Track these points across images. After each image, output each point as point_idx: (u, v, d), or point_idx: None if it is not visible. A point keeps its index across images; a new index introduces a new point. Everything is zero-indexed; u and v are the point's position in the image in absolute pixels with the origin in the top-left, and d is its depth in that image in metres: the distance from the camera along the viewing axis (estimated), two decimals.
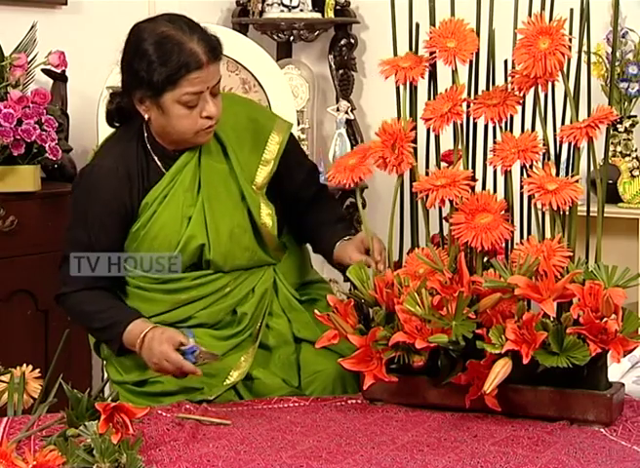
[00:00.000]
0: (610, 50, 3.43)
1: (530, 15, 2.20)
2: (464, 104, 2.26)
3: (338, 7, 4.06)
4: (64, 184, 3.37)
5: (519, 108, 2.23)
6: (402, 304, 2.15)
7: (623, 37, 3.54)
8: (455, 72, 2.26)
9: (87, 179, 2.47)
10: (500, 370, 2.07)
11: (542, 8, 2.20)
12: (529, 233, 2.29)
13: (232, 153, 2.48)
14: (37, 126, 3.05)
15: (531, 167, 2.19)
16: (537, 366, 2.08)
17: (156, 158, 2.46)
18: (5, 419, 2.14)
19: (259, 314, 2.49)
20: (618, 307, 2.07)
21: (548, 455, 1.94)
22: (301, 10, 4.00)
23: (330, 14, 4.03)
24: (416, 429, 2.10)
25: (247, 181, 2.48)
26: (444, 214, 2.29)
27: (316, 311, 2.29)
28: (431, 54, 2.26)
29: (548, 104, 2.23)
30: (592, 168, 2.22)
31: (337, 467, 1.91)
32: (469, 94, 2.28)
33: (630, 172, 3.52)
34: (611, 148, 3.51)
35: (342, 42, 4.10)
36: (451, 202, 2.22)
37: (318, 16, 4.03)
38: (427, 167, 2.32)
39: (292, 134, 2.58)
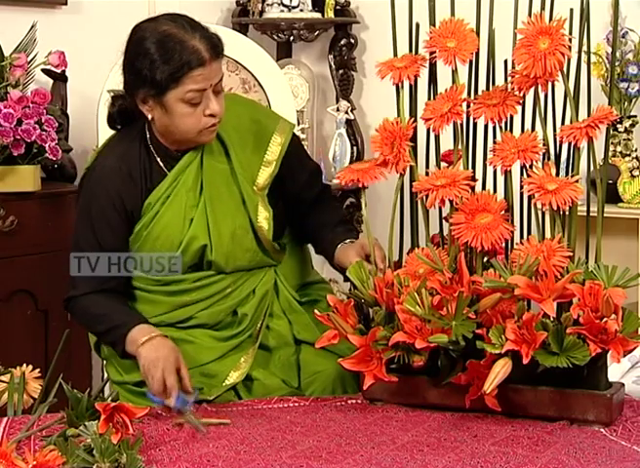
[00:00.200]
0: (610, 50, 3.43)
1: (530, 15, 2.20)
2: (464, 104, 2.26)
3: (338, 7, 4.06)
4: (64, 184, 3.37)
5: (519, 108, 2.23)
6: (402, 304, 2.15)
7: (623, 37, 3.54)
8: (455, 72, 2.26)
9: (90, 180, 2.47)
10: (500, 370, 2.07)
11: (542, 8, 2.20)
12: (529, 233, 2.29)
13: (234, 154, 2.48)
14: (37, 126, 3.05)
15: (531, 167, 2.19)
16: (537, 366, 2.08)
17: (159, 158, 2.46)
18: (5, 419, 2.14)
19: (259, 315, 2.49)
20: (618, 307, 2.07)
21: (548, 455, 1.94)
22: (301, 10, 4.01)
23: (330, 14, 4.03)
24: (416, 429, 2.10)
25: (248, 182, 2.48)
26: (444, 214, 2.28)
27: (316, 311, 2.29)
28: (431, 54, 2.26)
29: (548, 104, 2.23)
30: (592, 168, 2.22)
31: (337, 467, 1.91)
32: (469, 94, 2.28)
33: (630, 172, 3.52)
34: (611, 148, 3.51)
35: (342, 42, 4.10)
36: (451, 202, 2.22)
37: (318, 16, 4.03)
38: (427, 167, 2.32)
39: (294, 134, 2.58)
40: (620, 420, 2.12)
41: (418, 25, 2.30)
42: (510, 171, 2.20)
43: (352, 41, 4.10)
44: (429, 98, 2.30)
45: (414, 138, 2.29)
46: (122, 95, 2.47)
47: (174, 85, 2.32)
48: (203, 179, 2.45)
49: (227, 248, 2.45)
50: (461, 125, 2.26)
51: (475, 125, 2.30)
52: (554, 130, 2.24)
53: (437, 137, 2.29)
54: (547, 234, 2.20)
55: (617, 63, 3.49)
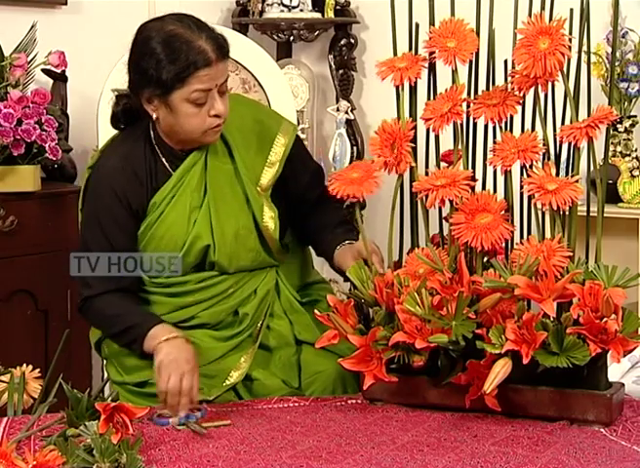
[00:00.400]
0: (610, 50, 3.43)
1: (530, 15, 2.20)
2: (464, 104, 2.26)
3: (338, 7, 4.06)
4: (64, 184, 3.37)
5: (519, 108, 2.23)
6: (402, 304, 2.15)
7: (623, 37, 3.54)
8: (455, 72, 2.26)
9: (93, 180, 2.46)
10: (500, 370, 2.07)
11: (542, 8, 2.20)
12: (529, 233, 2.29)
13: (238, 154, 2.48)
14: (37, 126, 3.05)
15: (531, 167, 2.19)
16: (537, 366, 2.08)
17: (163, 158, 2.46)
18: (5, 419, 2.14)
19: (259, 315, 2.49)
20: (618, 307, 2.07)
21: (548, 455, 1.94)
22: (301, 10, 4.00)
23: (330, 14, 4.03)
24: (416, 429, 2.10)
25: (252, 183, 2.48)
26: (444, 214, 2.28)
27: (316, 311, 2.29)
28: (431, 54, 2.26)
29: (548, 104, 2.23)
30: (592, 168, 2.22)
31: (337, 467, 1.91)
32: (469, 94, 2.28)
33: (630, 172, 3.52)
34: (611, 148, 3.51)
35: (342, 42, 4.10)
36: (451, 202, 2.22)
37: (318, 16, 4.03)
38: (427, 167, 2.32)
39: (297, 136, 2.59)
40: (620, 420, 2.12)
41: (417, 25, 2.30)
42: (510, 171, 2.20)
43: (352, 41, 4.10)
44: (429, 99, 2.30)
45: (414, 139, 2.29)
46: (126, 94, 2.47)
47: (179, 85, 2.32)
48: (207, 180, 2.45)
49: (230, 248, 2.45)
50: (461, 125, 2.26)
51: (475, 125, 2.30)
52: (554, 130, 2.24)
53: (437, 137, 2.29)
54: (547, 234, 2.20)
55: (617, 63, 3.49)
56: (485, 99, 2.22)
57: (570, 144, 2.20)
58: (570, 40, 2.15)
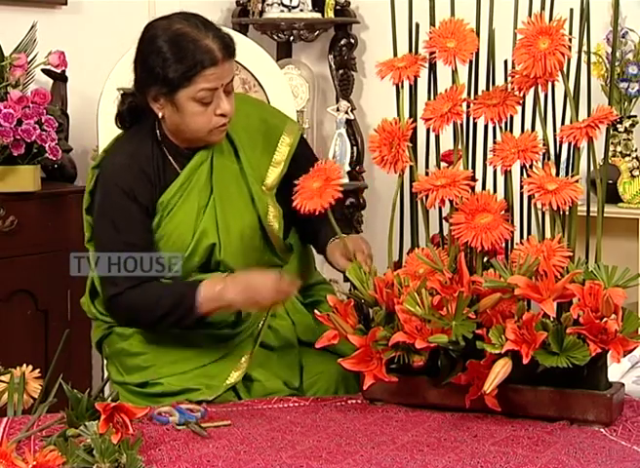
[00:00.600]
0: (610, 50, 3.43)
1: (530, 15, 2.20)
2: (464, 104, 2.26)
3: (338, 7, 4.06)
4: (64, 184, 3.37)
5: (519, 108, 2.23)
6: (402, 304, 2.15)
7: (623, 37, 3.54)
8: (455, 72, 2.26)
9: (100, 180, 2.46)
10: (500, 370, 2.07)
11: (542, 8, 2.20)
12: (529, 233, 2.29)
13: (243, 154, 2.49)
14: (37, 126, 3.05)
15: (531, 167, 2.19)
16: (537, 366, 2.08)
17: (170, 156, 2.46)
18: (5, 419, 2.14)
19: (261, 315, 2.49)
20: (618, 307, 2.07)
21: (548, 455, 1.94)
22: (301, 10, 4.01)
23: (330, 14, 4.03)
24: (416, 429, 2.10)
25: (257, 182, 2.49)
26: (444, 214, 2.28)
27: (316, 311, 2.29)
28: (431, 54, 2.26)
29: (548, 104, 2.23)
30: (592, 168, 2.22)
31: (337, 467, 1.91)
32: (469, 94, 2.28)
33: (630, 172, 3.52)
34: (611, 148, 3.51)
35: (342, 42, 4.10)
36: (451, 202, 2.22)
37: (318, 16, 4.03)
38: (427, 167, 2.32)
39: (302, 135, 2.60)
40: (620, 420, 2.12)
41: (417, 25, 2.30)
42: (510, 171, 2.20)
43: (352, 41, 4.10)
44: (429, 98, 2.30)
45: (414, 139, 2.30)
46: (132, 92, 2.48)
47: (186, 83, 2.32)
48: (213, 179, 2.46)
49: (236, 247, 2.45)
50: (461, 125, 2.26)
51: (475, 125, 2.30)
52: (554, 130, 2.24)
53: (437, 137, 2.29)
54: (547, 234, 2.20)
55: (617, 63, 3.49)
56: (485, 99, 2.22)
57: (570, 144, 2.20)
58: (570, 40, 2.15)
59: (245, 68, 3.24)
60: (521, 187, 2.19)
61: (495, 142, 2.23)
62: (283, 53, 4.17)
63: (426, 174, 2.29)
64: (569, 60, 2.17)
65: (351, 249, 2.37)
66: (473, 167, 2.27)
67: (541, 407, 2.14)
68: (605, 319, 2.06)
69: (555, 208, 2.13)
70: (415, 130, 2.29)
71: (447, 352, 2.15)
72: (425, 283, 2.17)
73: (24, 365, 2.33)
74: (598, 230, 2.20)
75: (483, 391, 2.06)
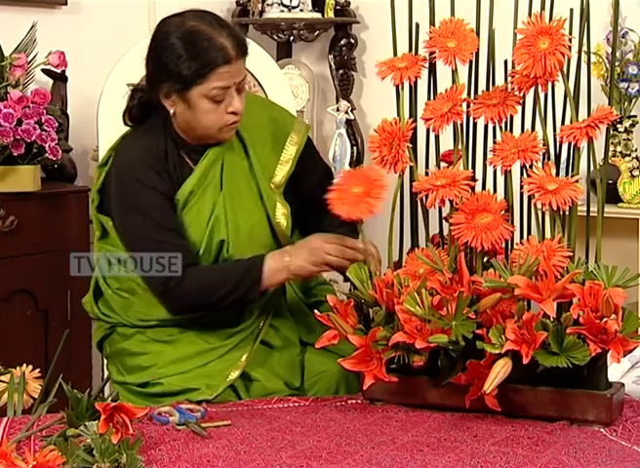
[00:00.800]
0: (610, 50, 3.43)
1: (530, 15, 2.20)
2: (464, 104, 2.26)
3: (338, 7, 4.06)
4: (64, 184, 3.37)
5: (519, 108, 2.23)
6: (402, 304, 2.15)
7: (623, 37, 3.54)
8: (455, 72, 2.26)
9: (114, 177, 2.45)
10: (500, 370, 2.07)
11: (542, 8, 2.20)
12: (529, 233, 2.29)
13: (253, 151, 2.50)
14: (37, 126, 3.05)
15: (531, 167, 2.19)
16: (537, 366, 2.08)
17: (184, 153, 2.46)
18: (5, 419, 2.14)
19: (263, 313, 2.49)
20: (618, 307, 2.07)
21: (548, 455, 1.94)
22: (301, 10, 4.01)
23: (330, 14, 4.03)
24: (416, 429, 2.10)
25: (266, 180, 2.50)
26: (444, 214, 2.29)
27: (316, 311, 2.29)
28: (431, 54, 2.26)
29: (548, 104, 2.23)
30: (592, 168, 2.22)
31: (337, 467, 1.91)
32: (469, 94, 2.28)
33: (630, 172, 3.52)
34: (611, 148, 3.51)
35: (342, 42, 4.10)
36: (451, 202, 2.22)
37: (318, 16, 4.03)
38: (427, 167, 2.32)
39: (309, 136, 2.61)
40: (620, 420, 2.12)
41: (417, 25, 2.30)
42: (510, 171, 2.20)
43: (352, 41, 4.10)
44: (429, 98, 2.30)
45: (414, 139, 2.30)
46: (142, 88, 2.48)
47: (200, 80, 2.33)
48: (223, 175, 2.47)
49: (244, 244, 2.45)
50: (461, 125, 2.26)
51: (475, 125, 2.30)
52: (554, 130, 2.24)
53: (437, 137, 2.29)
54: (547, 234, 2.20)
55: (617, 63, 3.49)
56: (485, 99, 2.22)
57: (570, 144, 2.20)
58: (570, 40, 2.15)
59: (245, 68, 3.24)
60: (521, 187, 2.19)
61: (495, 142, 2.23)
62: (283, 53, 4.16)
63: (426, 174, 2.29)
64: (569, 60, 2.17)
65: (370, 252, 2.38)
66: (473, 167, 2.27)
67: (541, 407, 2.14)
68: (605, 319, 2.06)
69: (555, 208, 2.13)
70: (415, 130, 2.29)
71: (447, 352, 2.15)
72: (425, 283, 2.17)
73: (24, 365, 2.33)
74: (598, 230, 2.20)
75: (483, 391, 2.06)
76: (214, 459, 1.94)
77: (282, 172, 2.53)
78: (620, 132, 3.54)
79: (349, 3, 4.09)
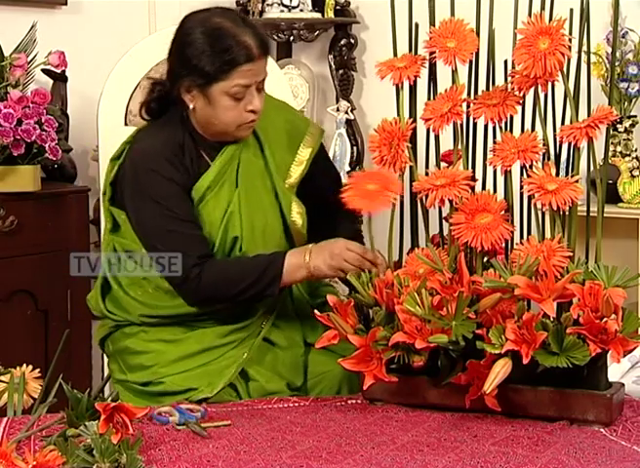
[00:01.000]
0: (610, 50, 3.43)
1: (530, 15, 2.20)
2: (464, 104, 2.26)
3: (338, 7, 4.06)
4: (64, 184, 3.37)
5: (519, 108, 2.23)
6: (402, 304, 2.15)
7: (623, 37, 3.54)
8: (455, 72, 2.26)
9: (128, 168, 2.45)
10: (500, 370, 2.07)
11: (542, 8, 2.20)
12: (529, 233, 2.29)
13: (269, 150, 2.52)
14: (37, 126, 3.05)
15: (531, 167, 2.19)
16: (537, 366, 2.08)
17: (201, 148, 2.47)
18: (5, 419, 2.14)
19: (267, 311, 2.49)
20: (618, 307, 2.07)
21: (548, 455, 1.94)
22: (301, 10, 4.00)
23: (330, 14, 4.03)
24: (416, 429, 2.10)
25: (281, 179, 2.50)
26: (444, 214, 2.29)
27: (316, 311, 2.29)
28: (431, 54, 2.26)
29: (548, 104, 2.23)
30: (592, 168, 2.22)
31: (337, 467, 1.91)
32: (469, 94, 2.28)
33: (630, 172, 3.52)
34: (611, 148, 3.51)
35: (342, 42, 4.09)
36: (451, 202, 2.22)
37: (318, 16, 4.03)
38: (427, 167, 2.32)
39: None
40: (620, 420, 2.12)
41: (417, 25, 2.30)
42: (510, 171, 2.20)
43: (352, 41, 4.09)
44: (429, 98, 2.30)
45: (413, 139, 2.30)
46: (162, 81, 2.48)
47: (222, 77, 2.34)
48: (239, 173, 2.47)
49: (258, 241, 2.46)
50: (461, 125, 2.26)
51: (475, 125, 2.30)
52: (554, 130, 2.24)
53: (437, 137, 2.29)
54: (547, 234, 2.20)
55: (617, 63, 3.49)
56: (485, 99, 2.22)
57: (570, 144, 2.20)
58: (570, 40, 2.15)
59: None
60: (521, 187, 2.19)
61: (495, 142, 2.23)
62: (283, 53, 4.16)
63: (426, 173, 2.29)
64: (569, 60, 2.17)
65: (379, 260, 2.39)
66: (473, 167, 2.27)
67: (541, 407, 2.14)
68: (605, 319, 2.06)
69: (555, 208, 2.13)
70: (414, 130, 2.29)
71: (447, 352, 2.15)
72: (425, 283, 2.17)
73: (24, 365, 2.33)
74: (598, 230, 2.20)
75: (483, 391, 2.06)
76: (214, 459, 1.94)
77: (296, 172, 2.55)
78: (619, 132, 3.54)
79: (349, 3, 4.08)
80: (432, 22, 2.28)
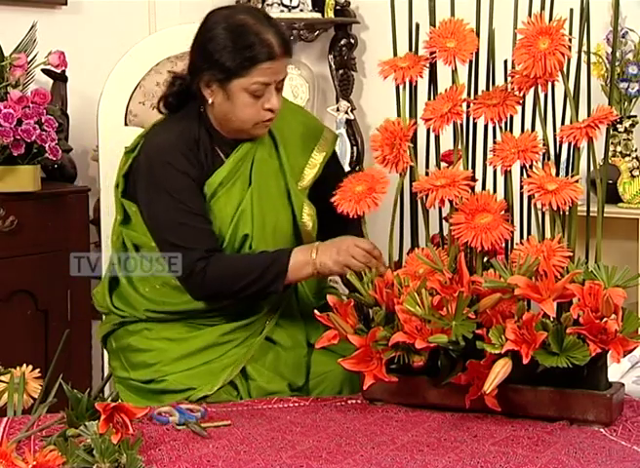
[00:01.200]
0: (610, 50, 3.43)
1: (530, 15, 2.20)
2: (464, 104, 2.26)
3: (338, 7, 4.06)
4: (64, 184, 3.37)
5: (519, 108, 2.23)
6: (402, 304, 2.15)
7: (623, 37, 3.54)
8: (455, 72, 2.26)
9: (143, 161, 2.45)
10: (500, 370, 2.07)
11: (542, 8, 2.20)
12: (529, 233, 2.29)
13: (283, 151, 2.53)
14: (37, 126, 3.05)
15: (531, 167, 2.19)
16: (537, 366, 2.08)
17: (216, 144, 2.47)
18: (5, 419, 2.14)
19: (271, 310, 2.49)
20: (618, 307, 2.07)
21: (548, 455, 1.94)
22: (301, 10, 4.01)
23: (330, 14, 4.03)
24: (416, 429, 2.10)
25: (294, 180, 2.51)
26: (444, 214, 2.29)
27: (316, 311, 2.29)
28: (431, 54, 2.26)
29: (548, 104, 2.23)
30: (592, 168, 2.22)
31: (337, 467, 1.91)
32: (469, 94, 2.28)
33: (630, 172, 3.52)
34: (611, 148, 3.51)
35: (342, 42, 4.10)
36: (451, 202, 2.22)
37: (318, 16, 4.03)
38: (427, 167, 2.32)
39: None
40: (620, 420, 2.12)
41: (417, 25, 2.30)
42: (510, 171, 2.20)
43: (352, 41, 4.10)
44: (429, 98, 2.30)
45: (414, 139, 2.30)
46: (182, 75, 2.49)
47: (242, 73, 2.35)
48: (253, 171, 2.48)
49: (268, 240, 2.46)
50: (461, 125, 2.26)
51: (475, 125, 2.30)
52: (554, 130, 2.24)
53: (437, 138, 2.29)
54: (547, 234, 2.20)
55: (617, 63, 3.49)
56: (485, 99, 2.22)
57: (570, 144, 2.20)
58: (570, 40, 2.15)
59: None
60: (521, 187, 2.19)
61: (495, 142, 2.23)
62: None
63: (426, 174, 2.29)
64: (569, 60, 2.17)
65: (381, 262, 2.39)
66: (473, 167, 2.27)
67: (541, 407, 2.14)
68: (605, 319, 2.06)
69: (555, 208, 2.13)
70: (415, 130, 2.29)
71: (447, 352, 2.15)
72: (425, 283, 2.17)
73: (24, 365, 2.33)
74: (598, 230, 2.20)
75: (483, 391, 2.06)
76: (214, 459, 1.94)
77: (309, 175, 2.56)
78: (619, 132, 3.54)
79: (349, 3, 4.08)
80: (432, 22, 2.28)
